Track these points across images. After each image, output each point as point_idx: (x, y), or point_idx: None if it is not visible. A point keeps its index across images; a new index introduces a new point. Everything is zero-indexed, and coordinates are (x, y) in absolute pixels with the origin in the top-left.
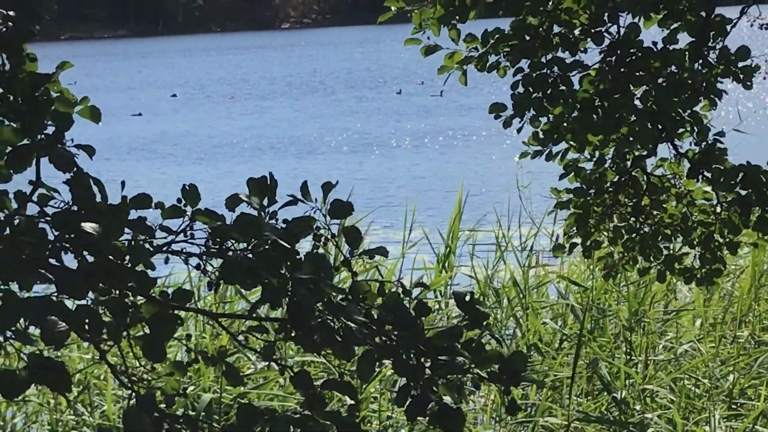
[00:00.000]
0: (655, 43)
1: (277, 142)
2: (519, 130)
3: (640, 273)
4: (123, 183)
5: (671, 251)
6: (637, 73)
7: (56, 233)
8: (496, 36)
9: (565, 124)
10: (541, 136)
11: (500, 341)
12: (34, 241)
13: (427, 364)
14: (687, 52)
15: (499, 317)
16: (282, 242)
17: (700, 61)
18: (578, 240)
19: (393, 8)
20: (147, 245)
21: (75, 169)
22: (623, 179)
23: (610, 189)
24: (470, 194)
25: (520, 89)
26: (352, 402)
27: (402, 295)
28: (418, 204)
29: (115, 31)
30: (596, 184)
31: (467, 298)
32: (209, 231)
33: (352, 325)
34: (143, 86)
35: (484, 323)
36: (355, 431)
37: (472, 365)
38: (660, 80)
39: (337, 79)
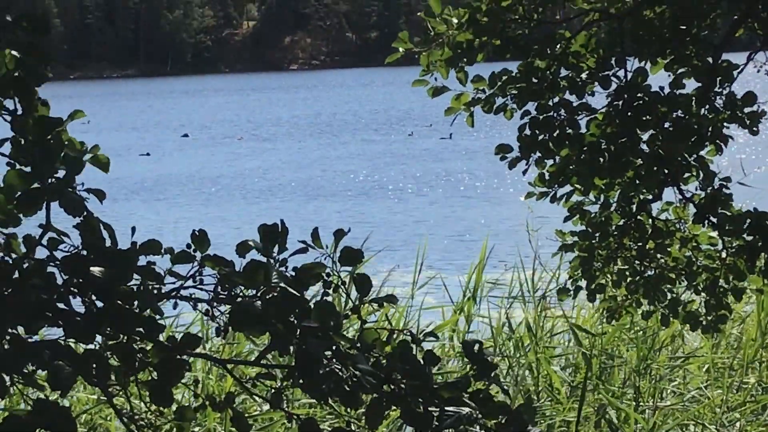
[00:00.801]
0: (662, 88)
1: (286, 184)
2: (525, 172)
3: (643, 316)
4: (133, 228)
5: (675, 295)
6: (644, 118)
7: (65, 277)
8: (504, 78)
9: (571, 167)
10: (546, 177)
11: (507, 392)
12: (42, 285)
13: (435, 414)
14: (694, 97)
15: (512, 363)
16: (291, 290)
17: (707, 106)
18: (583, 283)
19: (401, 49)
20: (156, 290)
21: (85, 213)
22: (628, 223)
23: (615, 233)
24: (480, 238)
25: (527, 132)
26: None
27: (411, 344)
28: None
29: (124, 71)
30: (601, 227)
31: (476, 348)
32: (218, 277)
33: (359, 374)
34: (152, 126)
35: (492, 374)
36: None
37: (479, 416)
38: (666, 125)
39: (345, 121)
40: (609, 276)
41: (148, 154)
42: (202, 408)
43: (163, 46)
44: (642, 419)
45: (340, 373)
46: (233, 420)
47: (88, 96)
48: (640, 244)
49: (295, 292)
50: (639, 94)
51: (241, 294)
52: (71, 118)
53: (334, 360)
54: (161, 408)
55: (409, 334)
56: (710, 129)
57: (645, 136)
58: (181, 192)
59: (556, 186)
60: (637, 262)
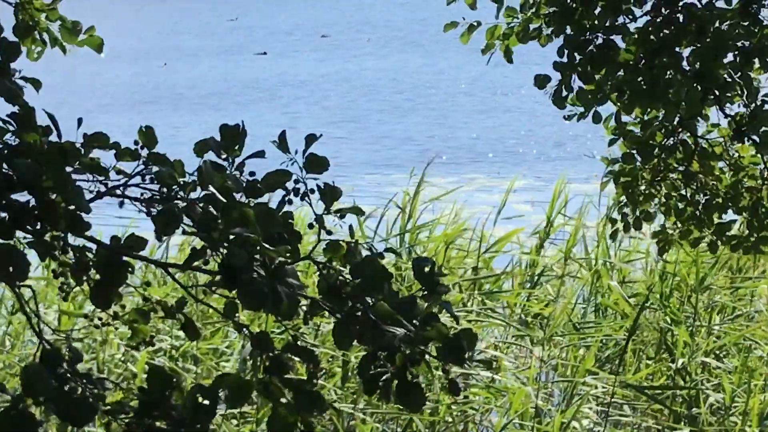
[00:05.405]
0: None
1: (384, 90)
2: (566, 99)
3: (692, 244)
4: (79, 120)
5: (721, 220)
6: (685, 30)
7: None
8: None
9: (608, 85)
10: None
11: (457, 318)
12: None
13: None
14: (735, 10)
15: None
16: (217, 194)
17: (750, 19)
18: (628, 211)
19: None
20: (102, 187)
21: (22, 103)
22: (673, 141)
23: (660, 153)
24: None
25: (565, 59)
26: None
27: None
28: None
29: None
30: (644, 147)
31: (426, 268)
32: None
33: (282, 286)
34: (273, 26)
35: (442, 296)
36: (315, 402)
37: (417, 338)
38: (706, 40)
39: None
40: (657, 200)
41: (264, 53)
42: (153, 311)
43: None
44: (689, 339)
45: (263, 283)
46: (183, 327)
47: None
48: (685, 165)
49: (219, 196)
50: (677, 8)
51: (181, 196)
52: None
53: (260, 270)
54: (115, 311)
55: (368, 247)
56: (753, 43)
57: (685, 53)
58: (292, 93)
59: (595, 105)
60: (684, 187)
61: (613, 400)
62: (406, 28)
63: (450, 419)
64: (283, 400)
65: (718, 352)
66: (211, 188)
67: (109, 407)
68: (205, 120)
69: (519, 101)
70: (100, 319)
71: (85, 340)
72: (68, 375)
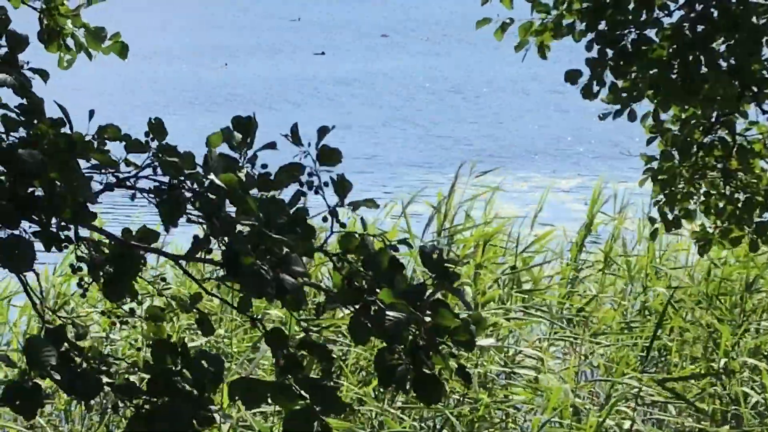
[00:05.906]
0: None
1: (462, 88)
2: (597, 93)
3: (732, 243)
4: (91, 112)
5: (762, 219)
6: (718, 25)
7: None
8: None
9: (640, 85)
10: (622, 94)
11: (468, 305)
12: None
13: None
14: None
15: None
16: (217, 180)
17: None
18: (667, 210)
19: None
20: (113, 179)
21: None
22: (711, 140)
23: (698, 152)
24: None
25: (595, 53)
26: (326, 367)
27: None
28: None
29: None
30: (682, 143)
31: (434, 255)
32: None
33: (286, 274)
34: (333, 25)
35: (454, 284)
36: (333, 403)
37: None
38: (743, 35)
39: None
40: (695, 198)
41: (323, 53)
42: (168, 307)
43: None
44: (729, 335)
45: (264, 272)
46: (198, 322)
47: None
48: (723, 163)
49: (220, 183)
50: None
51: (186, 187)
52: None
53: (263, 258)
54: (132, 307)
55: (381, 239)
56: None
57: (720, 48)
58: (344, 92)
59: (630, 103)
60: (723, 185)
61: (655, 400)
62: (464, 26)
63: (488, 418)
64: (301, 402)
65: (766, 352)
66: (212, 176)
67: (114, 382)
68: (259, 120)
69: (574, 99)
70: (118, 316)
71: (127, 339)
72: (73, 352)
